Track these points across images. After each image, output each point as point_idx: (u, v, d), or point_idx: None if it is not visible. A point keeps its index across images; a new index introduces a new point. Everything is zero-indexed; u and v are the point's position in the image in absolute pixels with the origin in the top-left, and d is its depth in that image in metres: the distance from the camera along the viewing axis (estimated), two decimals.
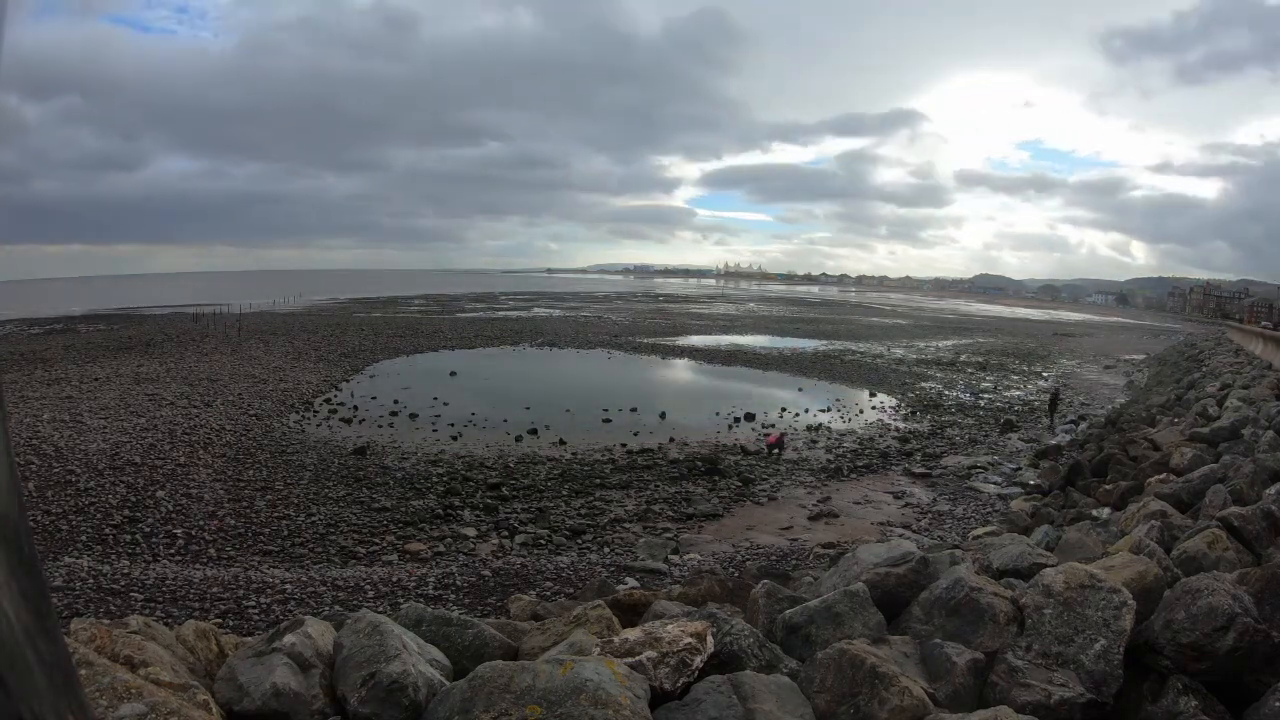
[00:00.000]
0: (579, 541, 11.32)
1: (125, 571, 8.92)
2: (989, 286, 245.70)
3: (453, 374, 28.93)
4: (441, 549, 10.87)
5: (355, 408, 21.40)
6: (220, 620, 7.15)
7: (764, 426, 20.57)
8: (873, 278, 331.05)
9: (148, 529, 11.06)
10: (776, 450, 17.23)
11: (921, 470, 16.15)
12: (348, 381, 26.27)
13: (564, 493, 13.86)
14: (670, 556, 10.55)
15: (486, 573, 9.37)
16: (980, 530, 11.10)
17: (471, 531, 11.64)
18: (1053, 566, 3.68)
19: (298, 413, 20.42)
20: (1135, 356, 45.99)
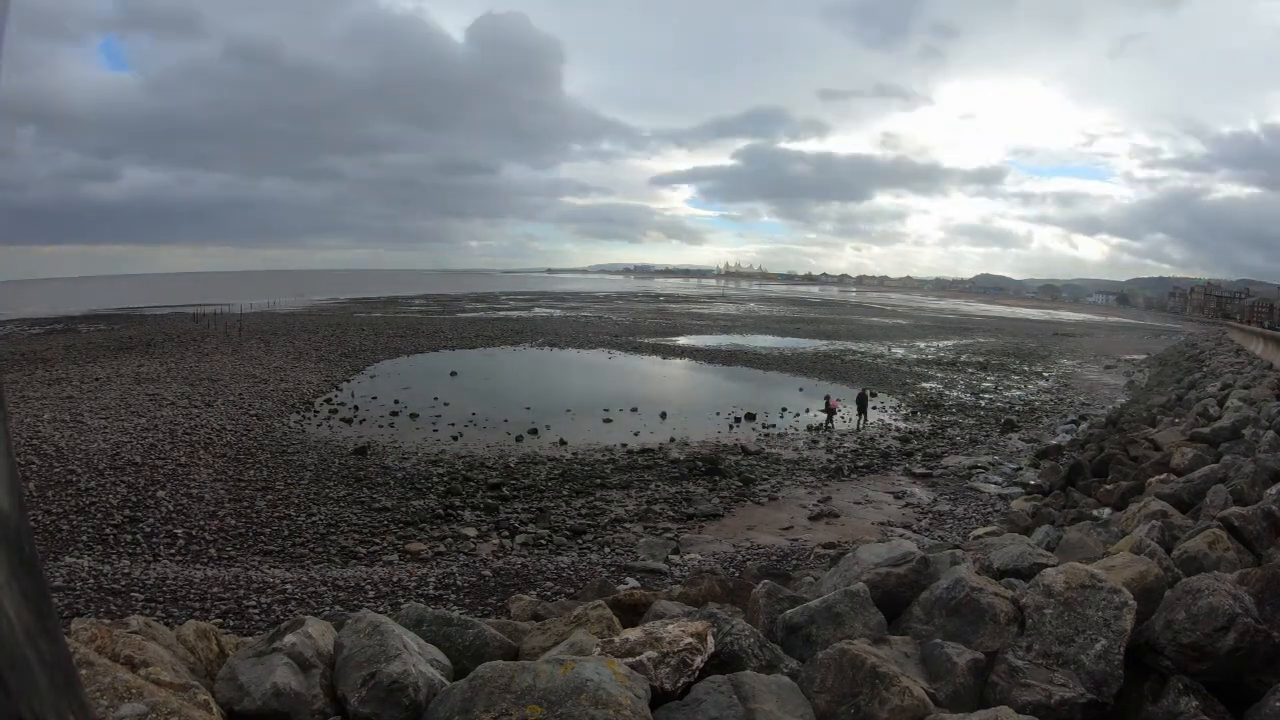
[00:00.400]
0: (579, 541, 11.32)
1: (126, 571, 8.92)
2: (989, 286, 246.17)
3: (453, 374, 28.94)
4: (442, 549, 10.87)
5: (356, 408, 21.40)
6: (221, 620, 7.15)
7: (764, 426, 20.57)
8: (873, 278, 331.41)
9: (148, 529, 11.06)
10: (833, 416, 21.03)
11: (922, 470, 16.14)
12: (348, 381, 26.28)
13: (564, 493, 13.86)
14: (671, 556, 10.55)
15: (487, 573, 9.37)
16: (981, 530, 11.10)
17: (472, 531, 11.64)
18: (1053, 566, 3.67)
19: (298, 413, 20.43)
20: (1136, 356, 45.97)
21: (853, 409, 22.09)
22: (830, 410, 21.34)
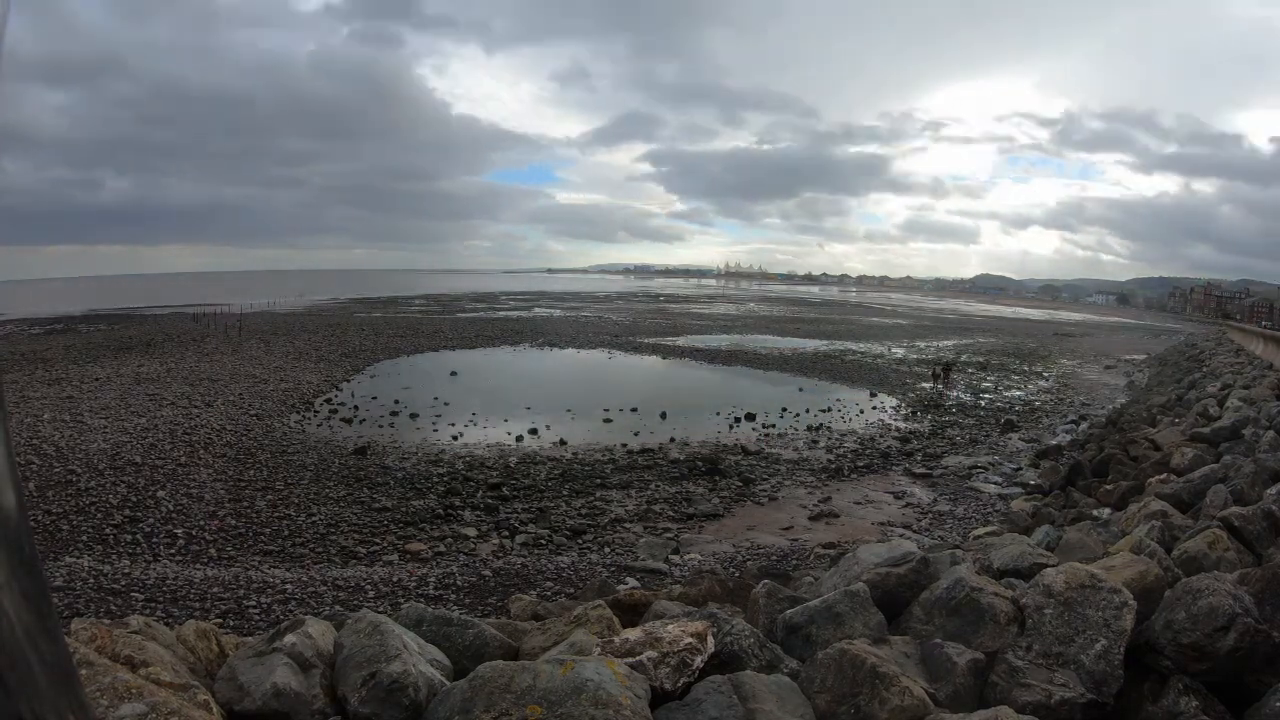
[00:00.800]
0: (579, 541, 11.32)
1: (126, 571, 8.93)
2: (989, 287, 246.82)
3: (453, 374, 28.94)
4: (442, 549, 10.86)
5: (356, 408, 21.40)
6: (221, 620, 7.15)
7: (764, 426, 20.57)
8: (873, 278, 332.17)
9: (148, 529, 11.06)
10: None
11: (922, 470, 16.14)
12: (348, 381, 26.27)
13: (564, 493, 13.85)
14: (671, 556, 10.54)
15: (487, 573, 9.37)
16: (981, 530, 11.09)
17: (472, 531, 11.63)
18: (1053, 566, 3.67)
19: (298, 413, 20.42)
20: (1136, 356, 45.97)
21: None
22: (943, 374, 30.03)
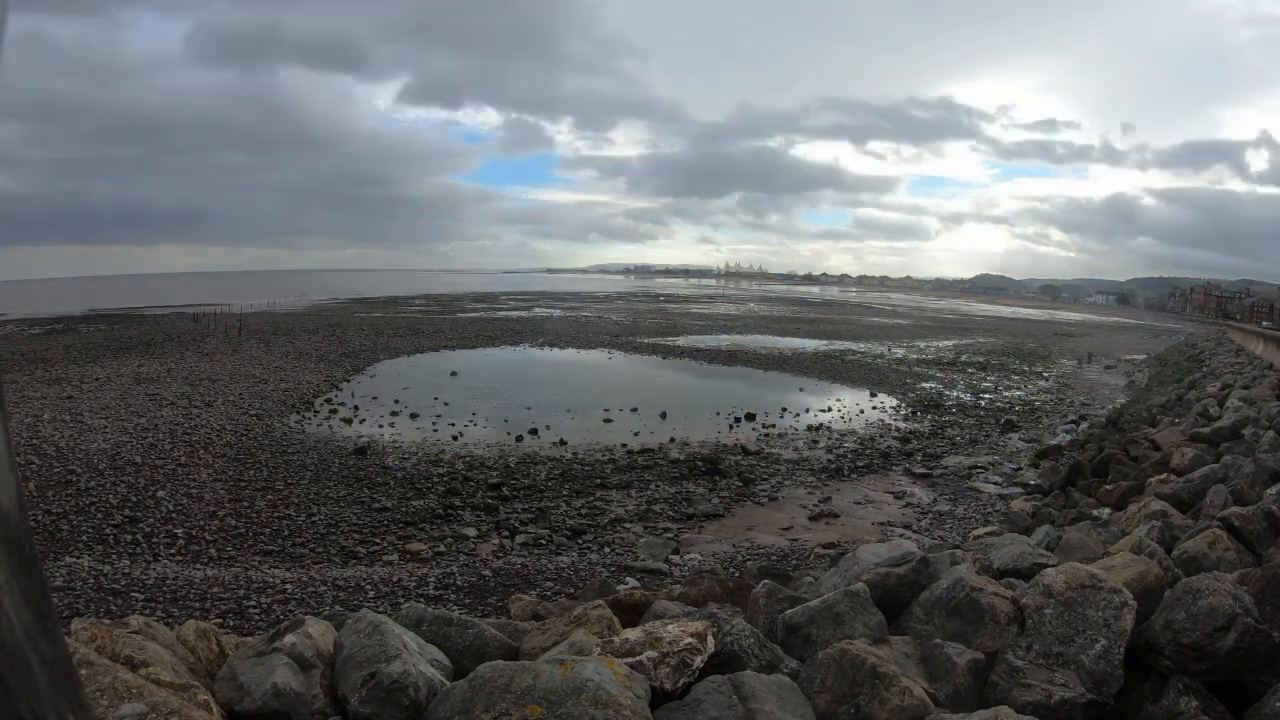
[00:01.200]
0: (579, 541, 11.32)
1: (126, 571, 8.93)
2: (989, 286, 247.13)
3: (453, 374, 28.93)
4: (442, 549, 10.86)
5: (356, 408, 21.39)
6: (221, 620, 7.15)
7: (764, 426, 20.57)
8: (873, 278, 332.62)
9: (148, 529, 11.06)
10: None
11: (922, 470, 16.13)
12: (348, 381, 26.26)
13: (564, 493, 13.85)
14: (671, 556, 10.54)
15: (487, 573, 9.37)
16: (981, 530, 11.09)
17: (472, 531, 11.64)
18: (1053, 566, 3.67)
19: (298, 413, 20.42)
20: (1136, 356, 45.97)
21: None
22: None
